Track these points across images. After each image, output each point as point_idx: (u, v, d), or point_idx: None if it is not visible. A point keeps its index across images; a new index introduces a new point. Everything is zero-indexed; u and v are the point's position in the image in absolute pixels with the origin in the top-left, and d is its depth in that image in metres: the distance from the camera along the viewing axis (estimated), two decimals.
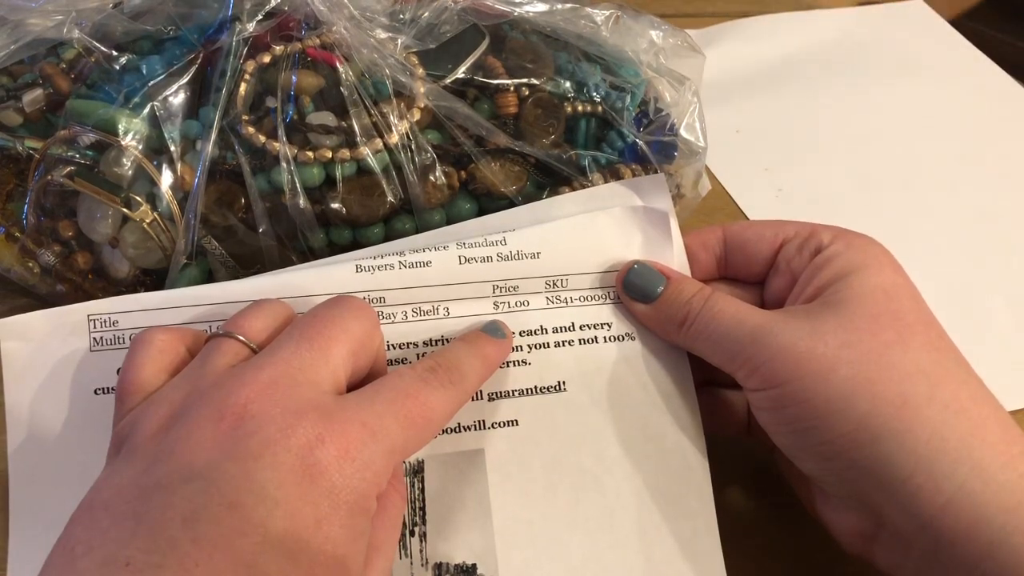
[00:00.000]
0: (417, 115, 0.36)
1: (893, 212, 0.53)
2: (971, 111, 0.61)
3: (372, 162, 0.35)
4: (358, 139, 0.35)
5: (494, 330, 0.31)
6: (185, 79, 0.36)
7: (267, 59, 0.36)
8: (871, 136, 0.59)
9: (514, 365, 0.32)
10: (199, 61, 0.36)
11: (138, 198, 0.34)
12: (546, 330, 0.33)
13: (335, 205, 0.35)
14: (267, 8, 0.36)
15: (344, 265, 0.31)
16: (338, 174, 0.35)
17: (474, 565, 0.30)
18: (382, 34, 0.36)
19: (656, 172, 0.38)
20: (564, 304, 0.33)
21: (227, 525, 0.21)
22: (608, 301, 0.33)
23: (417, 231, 0.36)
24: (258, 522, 0.21)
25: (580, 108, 0.39)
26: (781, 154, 0.57)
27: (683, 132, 0.40)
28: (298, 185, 0.34)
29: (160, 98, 0.35)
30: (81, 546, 0.21)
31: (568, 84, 0.39)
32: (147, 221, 0.34)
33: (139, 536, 0.21)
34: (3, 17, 0.36)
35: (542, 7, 0.39)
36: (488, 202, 0.37)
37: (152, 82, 0.35)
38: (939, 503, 0.26)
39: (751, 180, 0.55)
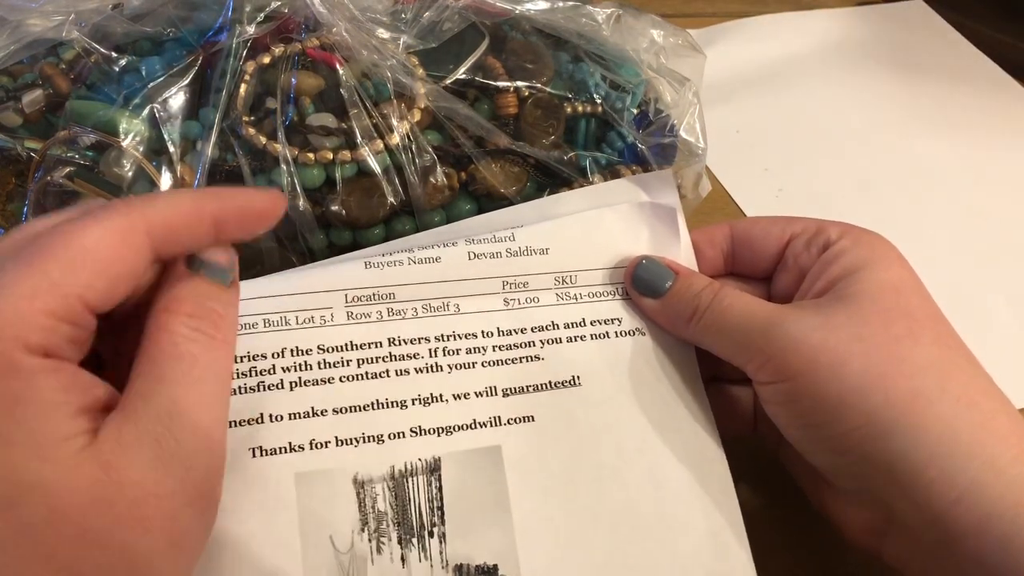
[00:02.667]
0: (417, 116, 0.36)
1: (893, 212, 0.53)
2: (971, 111, 0.61)
3: (372, 163, 0.35)
4: (358, 140, 0.35)
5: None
6: (185, 80, 0.35)
7: (267, 60, 0.36)
8: (871, 136, 0.59)
9: (527, 361, 0.32)
10: (199, 62, 0.36)
11: None
12: (557, 326, 0.32)
13: (335, 207, 0.35)
14: (267, 10, 0.36)
15: (353, 262, 0.31)
16: (338, 175, 0.35)
17: (495, 566, 0.29)
18: (383, 34, 0.36)
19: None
20: (574, 300, 0.33)
21: None
22: (618, 297, 0.33)
23: (417, 232, 0.36)
24: None
25: (580, 108, 0.38)
26: (781, 154, 0.57)
27: (683, 133, 0.40)
28: (298, 186, 0.34)
29: (160, 99, 0.35)
30: None
31: (568, 84, 0.39)
32: None
33: None
34: (3, 17, 0.36)
35: (543, 5, 0.39)
36: (488, 203, 0.37)
37: (152, 83, 0.35)
38: (951, 497, 0.26)
39: (751, 180, 0.55)
